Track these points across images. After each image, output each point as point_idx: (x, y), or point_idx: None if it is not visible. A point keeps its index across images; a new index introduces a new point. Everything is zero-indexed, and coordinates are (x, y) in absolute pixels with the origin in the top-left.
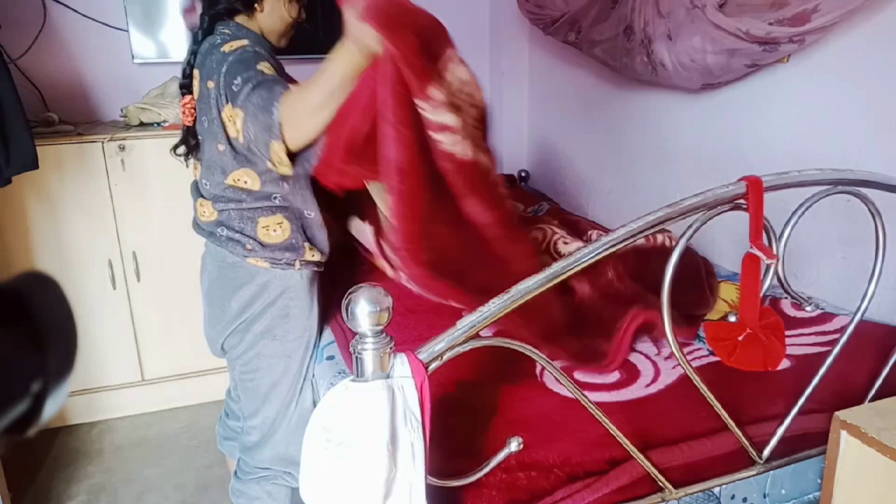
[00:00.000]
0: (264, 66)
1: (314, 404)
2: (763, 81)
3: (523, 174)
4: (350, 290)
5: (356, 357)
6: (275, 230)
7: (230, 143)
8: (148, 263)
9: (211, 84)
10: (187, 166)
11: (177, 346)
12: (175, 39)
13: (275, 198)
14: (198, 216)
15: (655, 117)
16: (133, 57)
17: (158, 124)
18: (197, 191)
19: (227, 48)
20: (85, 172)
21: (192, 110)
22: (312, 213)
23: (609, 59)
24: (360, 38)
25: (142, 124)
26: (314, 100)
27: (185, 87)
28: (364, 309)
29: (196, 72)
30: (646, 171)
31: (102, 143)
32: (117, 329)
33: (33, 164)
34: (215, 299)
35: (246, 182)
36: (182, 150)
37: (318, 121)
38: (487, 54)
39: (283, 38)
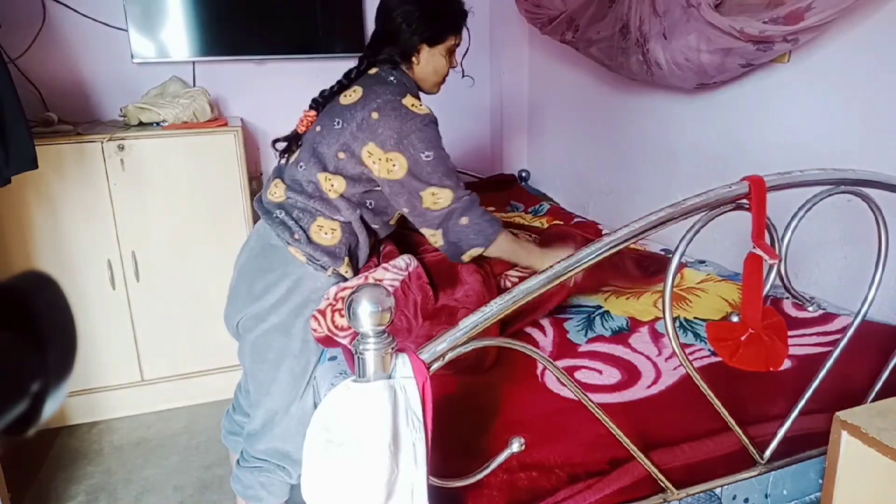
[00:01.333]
0: (439, 137)
1: (315, 405)
2: (764, 81)
3: (523, 174)
4: (351, 291)
5: (358, 357)
6: (326, 233)
7: (353, 160)
8: (147, 263)
9: (376, 116)
10: (277, 159)
11: (176, 347)
12: (174, 39)
13: (339, 212)
14: (267, 194)
15: (656, 117)
16: (132, 57)
17: (158, 124)
18: (277, 172)
19: (409, 105)
20: (84, 172)
21: (310, 123)
22: (364, 239)
23: (605, 59)
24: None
25: (141, 124)
26: (515, 258)
27: (320, 104)
28: (366, 309)
29: (358, 88)
30: (646, 170)
31: (102, 142)
32: (117, 329)
33: (33, 164)
34: (246, 275)
35: (332, 186)
36: (281, 146)
37: (500, 256)
38: (487, 54)
39: (436, 87)
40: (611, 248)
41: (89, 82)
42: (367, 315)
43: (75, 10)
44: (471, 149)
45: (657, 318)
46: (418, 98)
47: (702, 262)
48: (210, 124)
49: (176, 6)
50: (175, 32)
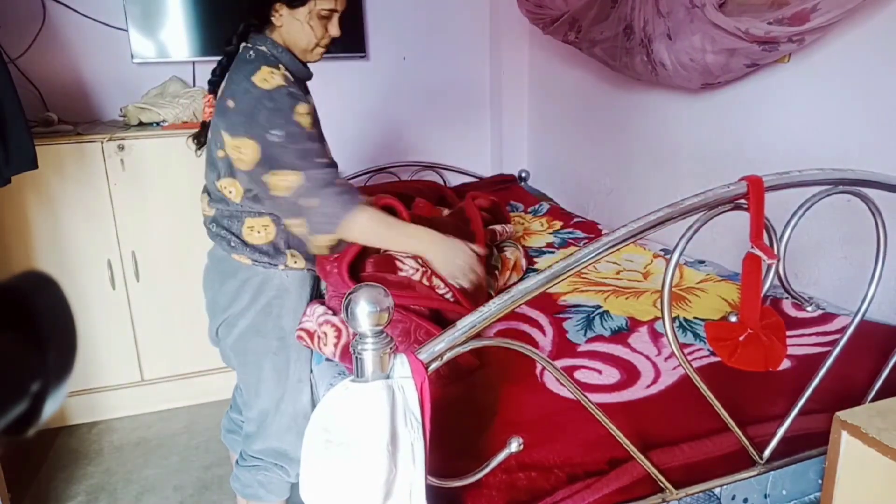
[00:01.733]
0: (300, 113)
1: (313, 404)
2: (764, 81)
3: (523, 174)
4: (350, 291)
5: (356, 357)
6: (259, 232)
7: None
8: (147, 263)
9: (231, 104)
10: (198, 156)
11: (176, 347)
12: (174, 39)
13: (262, 207)
14: (202, 209)
15: (656, 117)
16: (132, 57)
17: (158, 124)
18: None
19: (259, 81)
20: (84, 172)
21: (213, 108)
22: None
23: (609, 59)
24: (461, 272)
25: (141, 124)
26: (381, 241)
27: (213, 85)
28: (364, 309)
29: (228, 77)
30: (646, 170)
31: (102, 142)
32: (117, 329)
33: (33, 164)
34: (208, 289)
35: (230, 192)
36: (197, 142)
37: (366, 243)
38: (487, 54)
39: (310, 53)
40: (610, 247)
41: (89, 82)
42: (364, 315)
43: (75, 10)
44: (471, 149)
45: (656, 318)
46: (277, 67)
47: (701, 262)
48: None
49: (176, 6)
50: (175, 32)
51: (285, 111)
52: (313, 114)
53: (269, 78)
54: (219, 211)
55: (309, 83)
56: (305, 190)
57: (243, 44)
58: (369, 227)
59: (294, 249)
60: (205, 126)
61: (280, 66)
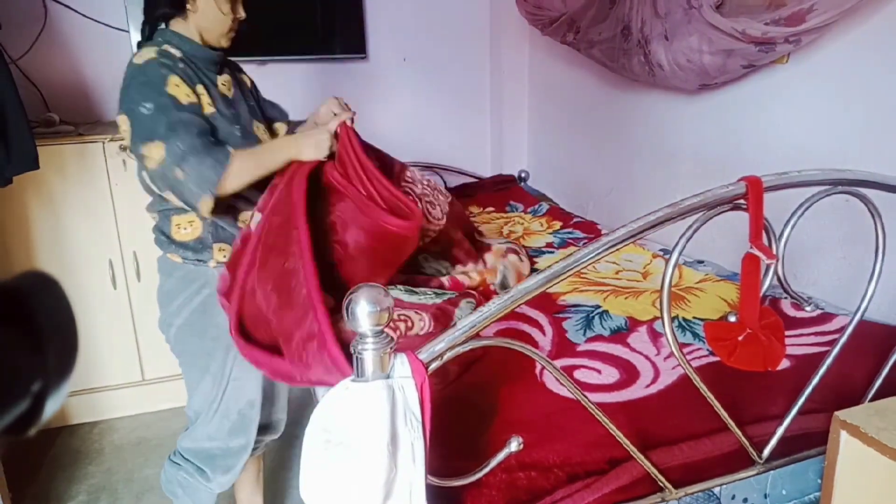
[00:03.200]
0: (173, 85)
1: (248, 405)
2: (763, 82)
3: (523, 174)
4: (350, 291)
5: (356, 357)
6: (185, 228)
7: None
8: (148, 263)
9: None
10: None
11: None
12: None
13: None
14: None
15: (656, 117)
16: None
17: None
18: None
19: (136, 59)
20: (86, 172)
21: None
22: (230, 220)
23: (607, 60)
24: (319, 147)
25: None
26: (256, 173)
27: None
28: (364, 309)
29: None
30: (646, 171)
31: (103, 143)
32: (117, 329)
33: (34, 164)
34: (157, 290)
35: (149, 184)
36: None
37: (247, 183)
38: (487, 54)
39: (223, 37)
40: (610, 247)
41: (91, 83)
42: (365, 315)
43: (77, 11)
44: (471, 149)
45: (656, 318)
46: (159, 45)
47: (700, 262)
48: None
49: None
50: None
51: (156, 83)
52: (190, 79)
53: (143, 54)
54: (150, 208)
55: (307, 83)
56: (171, 161)
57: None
58: (243, 170)
59: (223, 243)
60: None
61: (164, 45)
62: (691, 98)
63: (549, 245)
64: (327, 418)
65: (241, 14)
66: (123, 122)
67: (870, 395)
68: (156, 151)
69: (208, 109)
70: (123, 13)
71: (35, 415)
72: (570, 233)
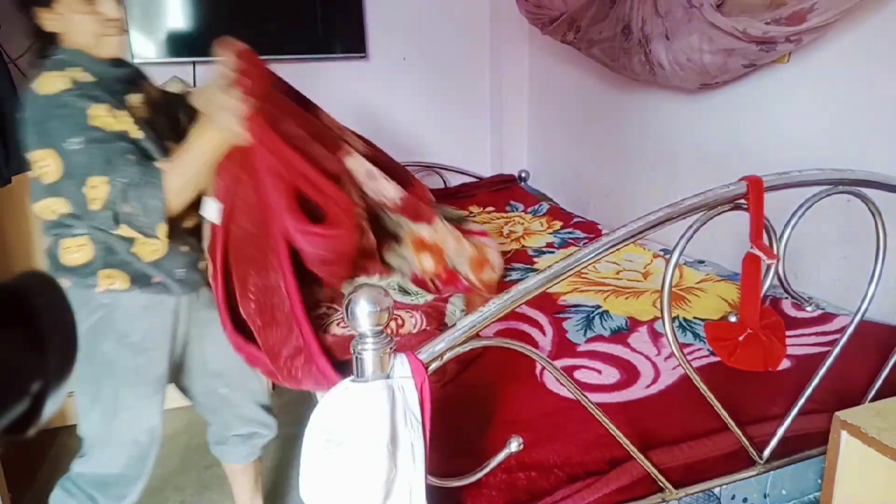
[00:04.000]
0: (96, 116)
1: (146, 434)
2: (763, 81)
3: (523, 174)
4: (350, 291)
5: (356, 357)
6: (75, 252)
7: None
8: None
9: (22, 119)
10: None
11: None
12: (175, 40)
13: (76, 227)
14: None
15: (656, 117)
16: (133, 57)
17: None
18: None
19: (39, 87)
20: None
21: None
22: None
23: (607, 59)
24: (225, 124)
25: None
26: (196, 178)
27: None
28: (364, 309)
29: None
30: (646, 171)
31: None
32: None
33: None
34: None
35: (53, 211)
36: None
37: (190, 194)
38: (487, 54)
39: (101, 45)
40: (610, 247)
41: None
42: (365, 315)
43: None
44: (471, 149)
45: (656, 318)
46: (62, 70)
47: (701, 261)
48: None
49: (176, 6)
50: (176, 33)
51: (77, 116)
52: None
53: (51, 82)
54: (45, 233)
55: (306, 82)
56: (116, 198)
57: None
58: (182, 183)
59: (111, 269)
60: None
61: (69, 68)
62: (692, 97)
63: (549, 245)
64: (327, 418)
65: (109, 11)
66: (48, 159)
67: (870, 396)
68: (100, 189)
69: (136, 135)
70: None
71: (35, 415)
72: (570, 233)
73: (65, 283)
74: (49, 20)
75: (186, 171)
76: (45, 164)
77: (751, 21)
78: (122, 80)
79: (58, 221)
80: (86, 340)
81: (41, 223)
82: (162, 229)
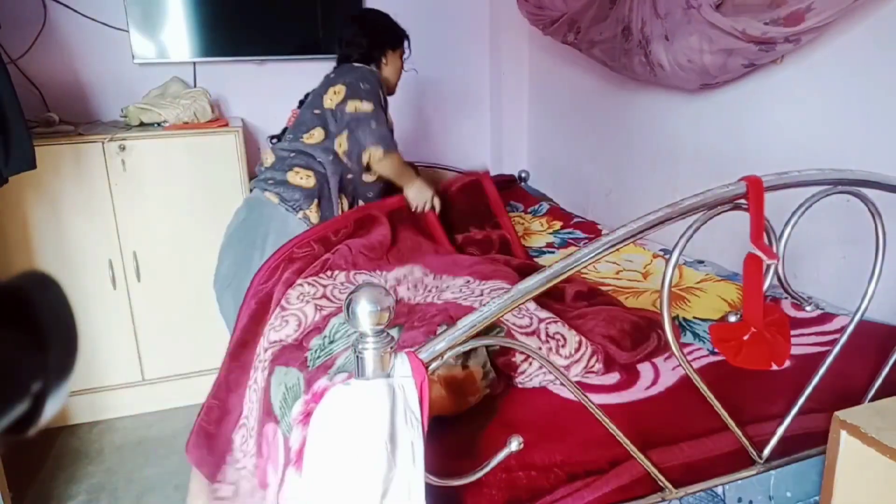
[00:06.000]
0: (381, 94)
1: None
2: (763, 81)
3: (523, 174)
4: (350, 291)
5: (357, 356)
6: (302, 178)
7: (321, 113)
8: (148, 263)
9: (332, 74)
10: (270, 147)
11: (177, 346)
12: (175, 40)
13: (319, 161)
14: (259, 166)
15: (656, 117)
16: (133, 57)
17: (159, 124)
18: (270, 148)
19: (358, 65)
20: (85, 173)
21: (293, 118)
22: (335, 186)
23: (608, 60)
24: (421, 196)
25: (142, 125)
26: (397, 169)
27: (301, 103)
28: (365, 308)
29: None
30: (646, 171)
31: (103, 143)
32: (117, 329)
33: (31, 164)
34: (230, 226)
35: (312, 135)
36: (275, 142)
37: (390, 174)
38: (487, 54)
39: (394, 89)
40: (610, 247)
41: (90, 83)
42: (365, 314)
43: (76, 11)
44: (471, 149)
45: None
46: (391, 92)
47: (700, 262)
48: (211, 125)
49: (177, 7)
50: (176, 33)
51: (374, 81)
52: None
53: (363, 67)
54: (276, 161)
55: (306, 82)
56: (372, 115)
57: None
58: (400, 166)
59: (319, 202)
60: (284, 131)
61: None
62: (692, 97)
63: (549, 245)
64: (328, 415)
65: (404, 69)
66: (340, 89)
67: (870, 395)
68: (364, 106)
69: (390, 120)
70: (123, 13)
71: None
72: (570, 233)
73: (273, 198)
74: (387, 58)
75: (401, 167)
76: (339, 91)
77: (750, 21)
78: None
79: (298, 153)
80: (262, 244)
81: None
82: (376, 152)
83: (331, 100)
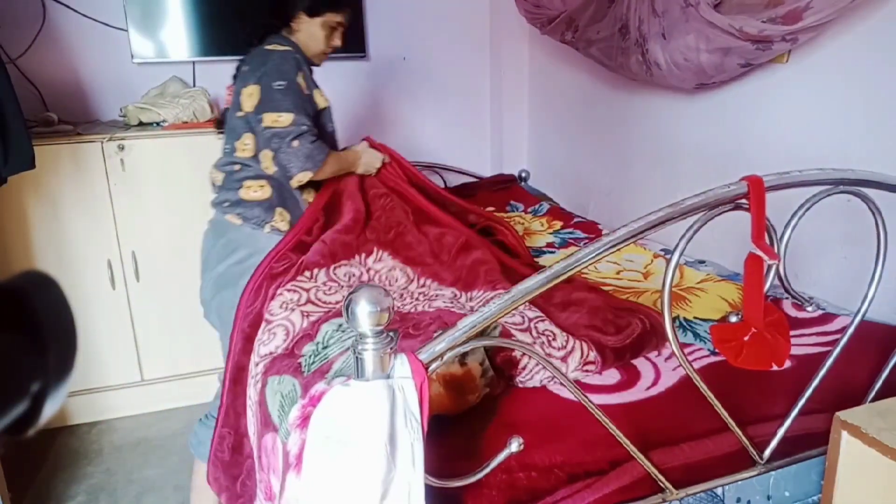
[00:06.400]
0: (301, 79)
1: None
2: (763, 81)
3: (523, 174)
4: (350, 291)
5: (357, 357)
6: (255, 191)
7: (245, 115)
8: (147, 263)
9: (245, 68)
10: (219, 138)
11: (176, 347)
12: (174, 40)
13: (260, 168)
14: (213, 183)
15: (656, 117)
16: (132, 57)
17: (158, 124)
18: (215, 167)
19: (271, 47)
20: (84, 172)
21: (229, 98)
22: (294, 190)
23: (605, 59)
24: (372, 163)
25: (141, 124)
26: (336, 171)
27: (234, 78)
28: (364, 309)
29: (244, 67)
30: (646, 170)
31: (102, 142)
32: (117, 329)
33: (30, 164)
34: (203, 250)
35: (245, 145)
36: (217, 125)
37: (328, 175)
38: (487, 54)
39: (317, 58)
40: (611, 247)
41: (89, 82)
42: (365, 315)
43: (75, 10)
44: (471, 149)
45: None
46: (289, 45)
47: (701, 262)
48: (210, 124)
49: (176, 6)
50: (175, 32)
51: (289, 70)
52: (308, 84)
53: (278, 46)
54: (223, 177)
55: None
56: (291, 131)
57: (265, 39)
58: (331, 165)
59: (282, 209)
60: (225, 112)
61: (290, 46)
62: (692, 97)
63: (549, 245)
64: (327, 416)
65: (338, 43)
66: (254, 91)
67: (871, 396)
68: (282, 119)
69: (322, 104)
70: (122, 12)
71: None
72: (570, 233)
73: (235, 220)
74: (301, 24)
75: (336, 163)
76: (253, 94)
77: (747, 19)
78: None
79: (245, 160)
80: (235, 268)
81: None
82: (305, 176)
83: (248, 102)
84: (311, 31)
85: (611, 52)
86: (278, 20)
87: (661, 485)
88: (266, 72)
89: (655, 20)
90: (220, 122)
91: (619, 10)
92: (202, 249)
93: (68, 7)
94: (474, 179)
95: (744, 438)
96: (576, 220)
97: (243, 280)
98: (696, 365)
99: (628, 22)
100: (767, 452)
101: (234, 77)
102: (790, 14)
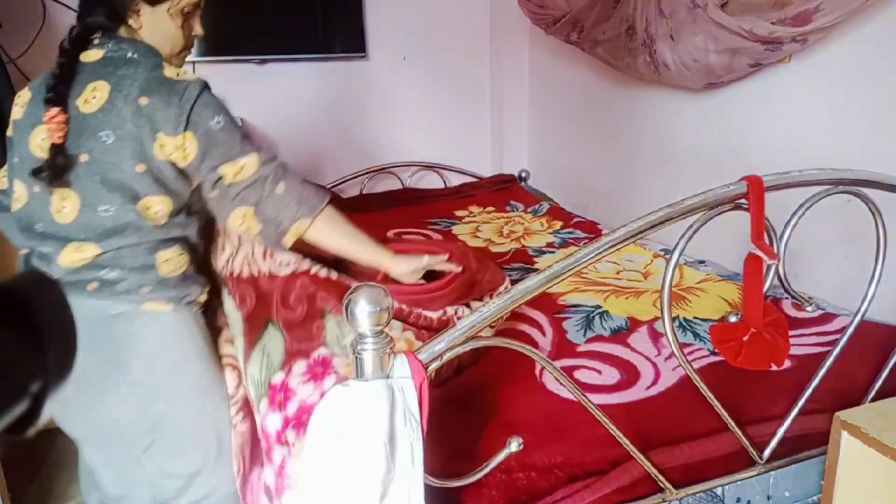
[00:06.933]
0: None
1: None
2: (765, 81)
3: (523, 174)
4: (350, 291)
5: (356, 357)
6: (175, 262)
7: (154, 167)
8: None
9: (144, 101)
10: (49, 193)
11: None
12: None
13: (171, 233)
14: (58, 262)
15: (656, 116)
16: None
17: None
18: (52, 230)
19: (172, 74)
20: None
21: (63, 125)
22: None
23: (612, 59)
24: (400, 272)
25: None
26: (347, 242)
27: (51, 101)
28: (364, 309)
29: (97, 83)
30: (646, 170)
31: None
32: None
33: None
34: (91, 371)
35: (157, 212)
36: (46, 175)
37: (329, 239)
38: (487, 54)
39: (177, 60)
40: (610, 247)
41: None
42: (365, 315)
43: (75, 11)
44: (471, 148)
45: (656, 318)
46: (171, 63)
47: (701, 262)
48: None
49: None
50: None
51: (217, 101)
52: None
53: (180, 72)
54: (114, 252)
55: (306, 82)
56: (266, 174)
57: (110, 43)
58: (343, 226)
59: (201, 275)
60: (56, 151)
61: (138, 53)
62: (692, 97)
63: (549, 245)
64: (327, 416)
65: (200, 31)
66: (189, 139)
67: (871, 396)
68: (247, 162)
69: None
70: None
71: (34, 415)
72: (570, 232)
73: (163, 307)
74: (142, 18)
75: (346, 234)
76: (188, 144)
77: (756, 21)
78: None
79: (147, 232)
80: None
81: (97, 245)
82: (301, 226)
83: (175, 156)
84: (160, 26)
85: (617, 53)
86: (111, 18)
87: (661, 485)
88: (196, 111)
89: (663, 21)
90: (54, 167)
91: (625, 11)
92: None
93: (68, 7)
94: (474, 179)
95: (743, 438)
96: (576, 220)
97: None
98: (696, 365)
99: (635, 23)
100: (767, 452)
101: (57, 94)
102: (800, 15)
